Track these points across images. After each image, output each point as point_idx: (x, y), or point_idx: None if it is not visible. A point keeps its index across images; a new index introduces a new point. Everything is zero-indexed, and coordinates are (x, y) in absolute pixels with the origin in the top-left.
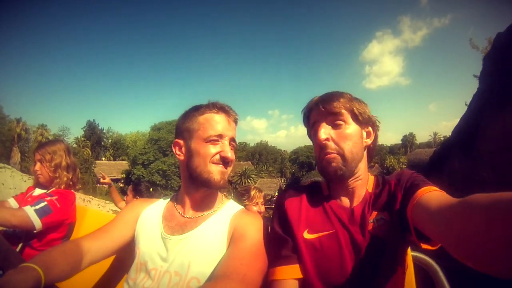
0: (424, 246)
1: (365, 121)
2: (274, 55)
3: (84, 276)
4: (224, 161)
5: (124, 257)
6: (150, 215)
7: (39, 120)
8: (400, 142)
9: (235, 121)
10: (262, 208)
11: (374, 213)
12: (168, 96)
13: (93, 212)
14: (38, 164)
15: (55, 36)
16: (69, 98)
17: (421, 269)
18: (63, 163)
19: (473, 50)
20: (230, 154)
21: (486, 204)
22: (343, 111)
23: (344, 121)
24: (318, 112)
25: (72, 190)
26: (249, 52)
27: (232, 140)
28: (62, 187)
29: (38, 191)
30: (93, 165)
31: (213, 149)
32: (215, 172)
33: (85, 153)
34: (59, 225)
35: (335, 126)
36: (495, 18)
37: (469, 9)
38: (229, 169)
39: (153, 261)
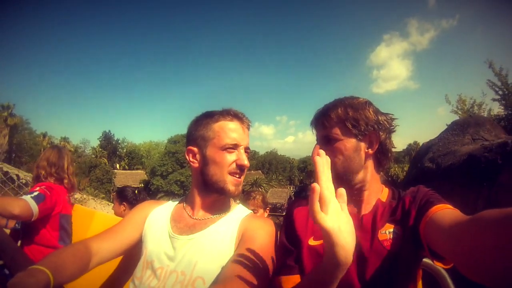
0: (437, 264)
1: (363, 131)
2: (282, 60)
3: (91, 276)
4: (241, 169)
5: (132, 258)
6: (158, 216)
7: (61, 133)
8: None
9: (248, 128)
10: (259, 212)
11: (388, 225)
12: (177, 103)
13: (100, 215)
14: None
15: (72, 51)
16: (87, 111)
17: (428, 274)
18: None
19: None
20: (246, 161)
21: (496, 219)
22: (333, 129)
23: (334, 137)
24: (315, 130)
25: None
26: (256, 58)
27: (247, 148)
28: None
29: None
30: (114, 176)
31: (229, 157)
32: (231, 183)
33: (102, 163)
34: (50, 215)
35: (328, 143)
36: (503, 17)
37: (477, 9)
38: (243, 177)
39: (159, 260)
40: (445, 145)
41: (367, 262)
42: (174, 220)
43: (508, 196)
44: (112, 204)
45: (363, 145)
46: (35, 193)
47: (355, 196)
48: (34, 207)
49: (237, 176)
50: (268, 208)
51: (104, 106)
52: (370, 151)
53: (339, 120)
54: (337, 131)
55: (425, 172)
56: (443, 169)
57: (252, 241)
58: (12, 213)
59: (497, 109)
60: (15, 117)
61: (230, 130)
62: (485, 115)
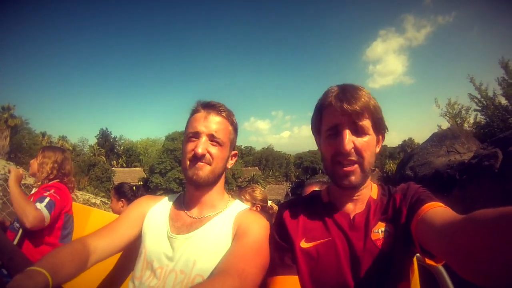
0: (429, 261)
1: (381, 129)
2: (278, 56)
3: (89, 274)
4: (195, 157)
5: (130, 254)
6: (156, 214)
7: (59, 132)
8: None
9: (221, 115)
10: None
11: (380, 223)
12: (174, 100)
13: (97, 213)
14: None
15: (69, 51)
16: (85, 109)
17: (425, 270)
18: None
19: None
20: (200, 149)
21: (490, 218)
22: (365, 121)
23: (365, 131)
24: (341, 112)
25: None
26: (252, 53)
27: (212, 136)
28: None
29: (34, 190)
30: (113, 174)
31: (190, 146)
32: (190, 168)
33: (100, 161)
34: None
35: (358, 133)
36: (499, 15)
37: (473, 6)
38: (207, 166)
39: (159, 260)
40: (423, 156)
41: (361, 262)
42: (172, 219)
43: (458, 206)
44: None
45: (375, 143)
46: (47, 200)
47: (355, 195)
48: (47, 216)
49: (194, 163)
50: (257, 206)
51: (102, 103)
52: (377, 150)
53: (370, 111)
54: (368, 124)
55: (405, 180)
56: (419, 178)
57: (245, 235)
58: (24, 225)
59: (479, 117)
60: (15, 118)
61: (194, 119)
62: (471, 120)
